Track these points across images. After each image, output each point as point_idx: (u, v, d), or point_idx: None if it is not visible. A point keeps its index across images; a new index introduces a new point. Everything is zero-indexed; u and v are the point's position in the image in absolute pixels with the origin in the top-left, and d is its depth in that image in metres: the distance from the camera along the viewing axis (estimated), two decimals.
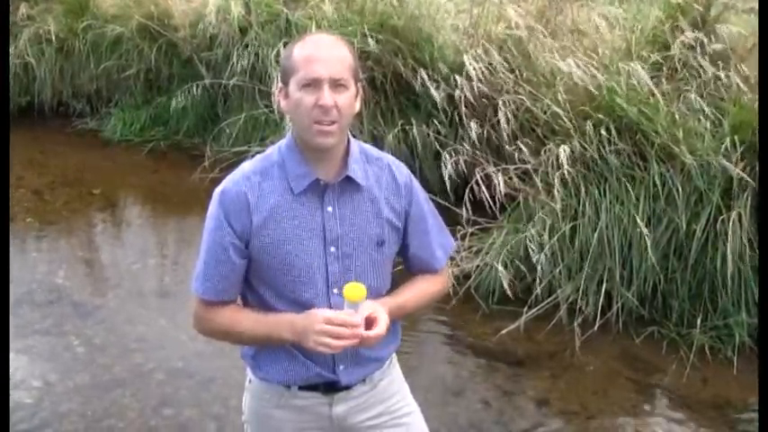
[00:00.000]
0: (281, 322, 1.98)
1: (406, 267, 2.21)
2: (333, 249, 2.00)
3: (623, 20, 5.21)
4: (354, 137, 2.08)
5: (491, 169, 4.67)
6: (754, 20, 5.03)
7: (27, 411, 3.69)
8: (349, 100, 1.93)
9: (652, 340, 4.22)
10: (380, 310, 1.96)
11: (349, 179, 2.00)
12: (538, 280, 4.33)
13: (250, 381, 2.21)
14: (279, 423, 2.16)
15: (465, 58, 5.11)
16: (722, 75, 4.65)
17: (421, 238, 2.15)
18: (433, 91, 5.19)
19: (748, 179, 4.18)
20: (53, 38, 7.37)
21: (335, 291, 2.01)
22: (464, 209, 4.53)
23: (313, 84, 1.89)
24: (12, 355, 4.05)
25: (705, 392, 3.89)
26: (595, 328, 4.20)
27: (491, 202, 4.56)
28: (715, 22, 4.92)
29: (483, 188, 4.55)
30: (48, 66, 7.47)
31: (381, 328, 1.93)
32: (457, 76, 5.13)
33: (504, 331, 4.26)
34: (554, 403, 3.82)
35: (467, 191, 4.61)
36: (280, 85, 1.99)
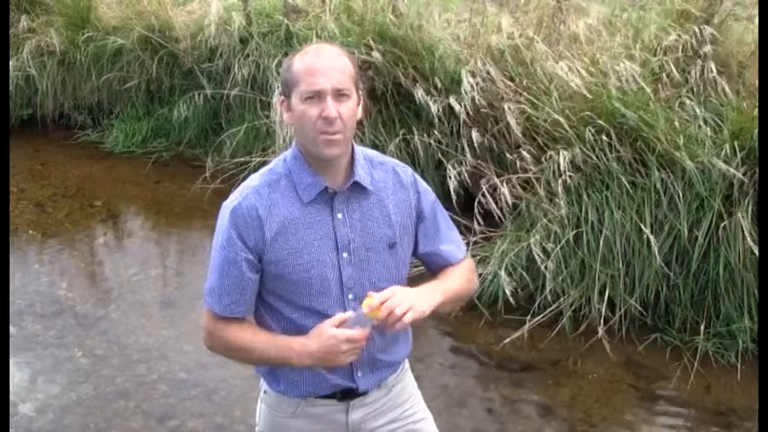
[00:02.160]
0: (291, 348, 1.99)
1: (426, 268, 2.22)
2: (345, 255, 2.02)
3: (624, 27, 5.21)
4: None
5: (495, 179, 4.68)
6: (754, 26, 5.03)
7: (30, 423, 3.69)
8: (352, 109, 1.94)
9: (655, 347, 4.21)
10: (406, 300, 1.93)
11: (356, 185, 2.02)
12: (541, 288, 4.33)
13: (265, 392, 2.21)
14: None
15: (464, 67, 5.12)
16: (722, 81, 4.65)
17: (432, 237, 2.16)
18: (432, 101, 5.19)
19: (746, 181, 4.19)
20: (56, 50, 7.39)
21: (350, 296, 2.02)
22: (474, 219, 4.53)
23: (316, 96, 1.90)
24: (14, 368, 4.05)
25: (709, 399, 3.88)
26: (598, 335, 4.19)
27: (498, 212, 4.56)
28: (717, 28, 4.92)
29: (489, 197, 4.55)
30: (49, 78, 7.47)
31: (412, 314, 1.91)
32: (457, 86, 5.14)
33: (507, 339, 4.26)
34: (557, 411, 3.82)
35: (476, 201, 4.61)
36: (281, 97, 2.00)
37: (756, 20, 4.94)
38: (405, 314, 1.89)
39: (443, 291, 2.05)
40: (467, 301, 4.40)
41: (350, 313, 1.95)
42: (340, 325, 1.94)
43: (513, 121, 4.73)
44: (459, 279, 2.15)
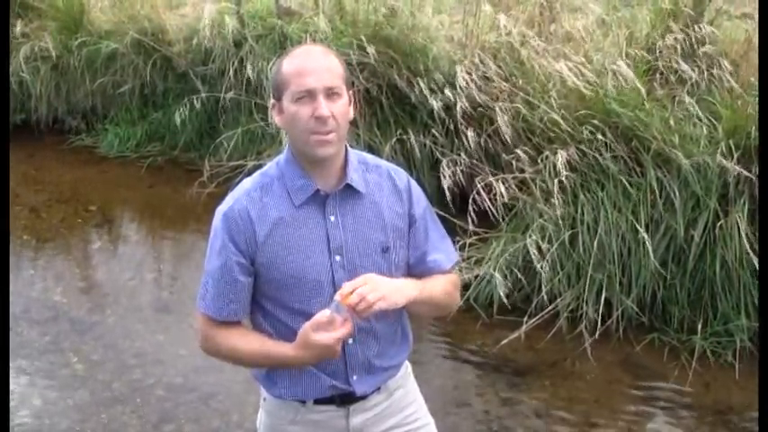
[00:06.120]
0: (286, 356, 1.97)
1: (409, 273, 2.15)
2: (338, 258, 2.00)
3: (616, 26, 5.21)
4: (351, 147, 2.08)
5: (491, 178, 4.66)
6: (745, 25, 5.04)
7: (26, 430, 3.67)
8: (344, 107, 1.94)
9: (653, 347, 4.21)
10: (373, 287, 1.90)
11: (349, 187, 2.01)
12: (537, 289, 4.32)
13: (264, 399, 2.20)
14: None
15: (459, 68, 5.11)
16: (715, 80, 4.65)
17: (421, 243, 2.13)
18: (430, 100, 5.17)
19: (748, 175, 4.17)
20: (51, 54, 7.38)
21: None
22: (468, 219, 4.50)
23: (307, 95, 1.89)
24: (11, 374, 4.03)
25: (707, 398, 3.88)
26: (596, 335, 4.18)
27: (494, 211, 4.54)
28: (708, 26, 4.92)
29: (485, 197, 4.53)
30: (43, 82, 7.46)
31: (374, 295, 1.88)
32: (451, 87, 5.12)
33: (504, 341, 4.25)
34: (555, 412, 3.81)
35: (470, 201, 4.59)
36: (272, 101, 2.00)
37: (748, 18, 4.96)
38: (376, 302, 1.87)
39: (420, 288, 2.02)
40: (462, 303, 4.41)
41: (327, 311, 1.92)
42: (319, 325, 1.90)
43: (503, 123, 4.71)
44: (439, 286, 2.11)
